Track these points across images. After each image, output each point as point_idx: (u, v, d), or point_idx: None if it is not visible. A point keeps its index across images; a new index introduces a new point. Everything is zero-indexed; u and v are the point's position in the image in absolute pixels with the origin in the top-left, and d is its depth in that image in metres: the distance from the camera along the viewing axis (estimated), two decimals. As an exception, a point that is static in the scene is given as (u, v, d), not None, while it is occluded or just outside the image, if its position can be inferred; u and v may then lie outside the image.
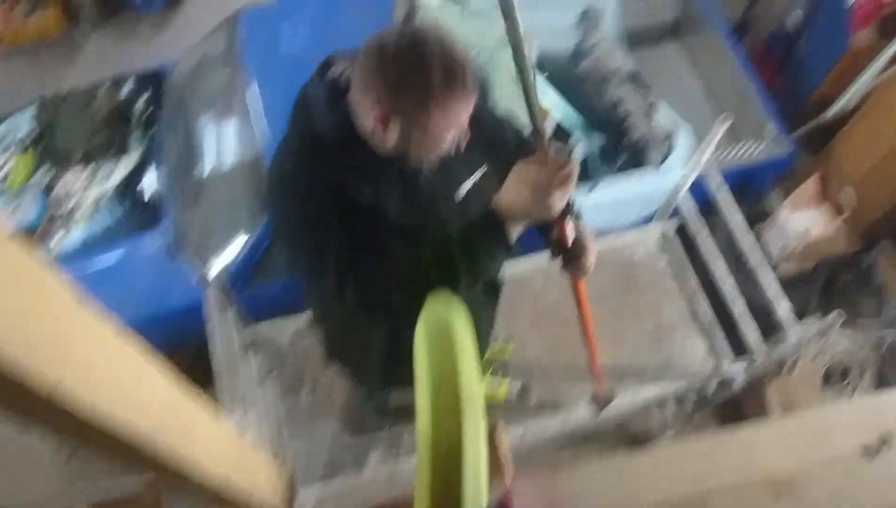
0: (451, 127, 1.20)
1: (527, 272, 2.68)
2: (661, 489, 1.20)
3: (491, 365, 2.46)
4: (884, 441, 1.27)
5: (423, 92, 1.13)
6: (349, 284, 1.26)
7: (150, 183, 3.09)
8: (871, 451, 1.23)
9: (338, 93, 1.26)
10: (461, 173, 1.44)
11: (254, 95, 2.95)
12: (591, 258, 1.42)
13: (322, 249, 1.26)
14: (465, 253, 1.25)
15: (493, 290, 1.74)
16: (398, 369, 1.36)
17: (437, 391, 0.93)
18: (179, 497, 3.04)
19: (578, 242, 1.39)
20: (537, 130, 1.16)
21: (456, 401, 0.89)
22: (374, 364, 1.71)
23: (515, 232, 1.25)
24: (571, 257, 1.40)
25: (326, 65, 1.31)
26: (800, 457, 1.25)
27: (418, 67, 1.13)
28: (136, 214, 3.02)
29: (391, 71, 1.14)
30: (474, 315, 1.22)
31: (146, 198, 3.04)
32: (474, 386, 0.94)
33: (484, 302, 1.70)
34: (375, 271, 1.26)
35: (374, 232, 1.26)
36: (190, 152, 3.14)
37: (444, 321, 1.03)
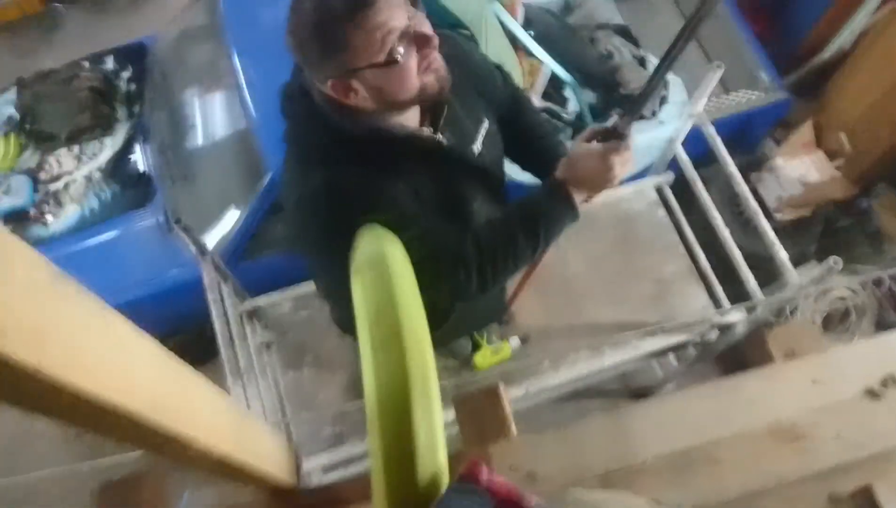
0: (388, 33, 1.10)
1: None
2: (663, 441, 1.20)
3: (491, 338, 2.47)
4: (886, 383, 1.27)
5: (336, 24, 1.09)
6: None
7: (139, 160, 3.05)
8: (875, 394, 1.23)
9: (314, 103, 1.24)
10: (470, 131, 1.41)
11: (238, 66, 2.89)
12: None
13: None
14: (533, 230, 1.27)
15: None
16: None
17: (375, 326, 0.85)
18: (185, 473, 3.09)
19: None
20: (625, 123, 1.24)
21: (398, 337, 0.82)
22: None
23: (579, 201, 1.29)
24: None
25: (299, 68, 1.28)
26: (803, 404, 1.24)
27: (321, 6, 1.09)
28: (127, 192, 2.98)
29: (305, 32, 1.12)
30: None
31: (137, 175, 2.99)
32: (416, 319, 0.87)
33: None
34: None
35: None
36: (177, 127, 3.10)
37: (378, 254, 0.98)
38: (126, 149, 3.07)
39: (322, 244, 1.30)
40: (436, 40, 1.17)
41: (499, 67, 1.59)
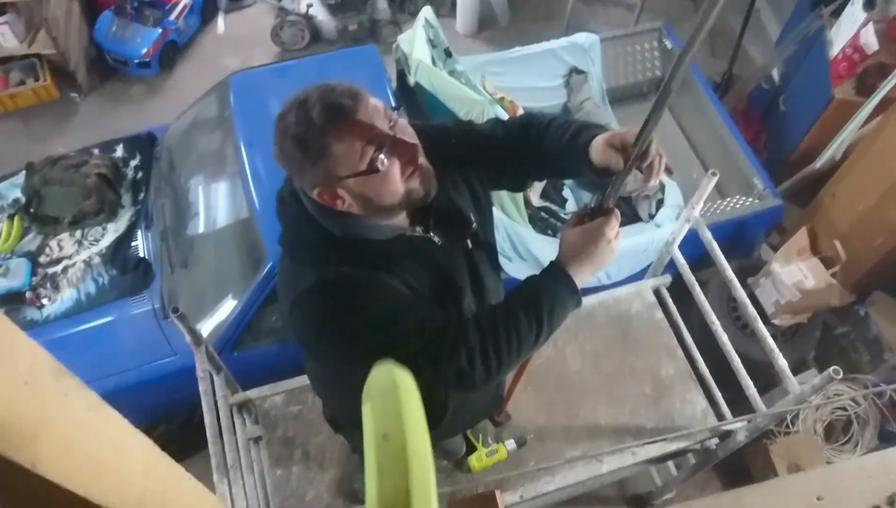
0: (368, 142, 1.14)
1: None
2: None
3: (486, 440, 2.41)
4: (893, 501, 1.23)
5: (317, 136, 1.12)
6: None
7: (140, 246, 3.07)
8: (884, 512, 1.19)
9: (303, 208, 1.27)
10: (462, 227, 1.42)
11: (244, 157, 2.96)
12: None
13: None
14: (536, 314, 1.25)
15: None
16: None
17: (381, 449, 0.87)
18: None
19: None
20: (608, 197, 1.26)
21: (403, 459, 0.84)
22: None
23: (581, 282, 1.28)
24: None
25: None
26: (809, 519, 1.20)
27: (302, 120, 1.13)
28: (126, 277, 2.98)
29: (288, 144, 1.16)
30: None
31: (136, 260, 3.00)
32: (421, 442, 0.88)
33: None
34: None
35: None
36: (180, 215, 3.14)
37: (389, 380, 0.98)
38: (128, 235, 3.10)
39: (318, 344, 1.29)
40: (418, 147, 1.20)
41: (445, 124, 1.59)
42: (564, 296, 1.26)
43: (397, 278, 1.26)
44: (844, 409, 3.04)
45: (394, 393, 0.92)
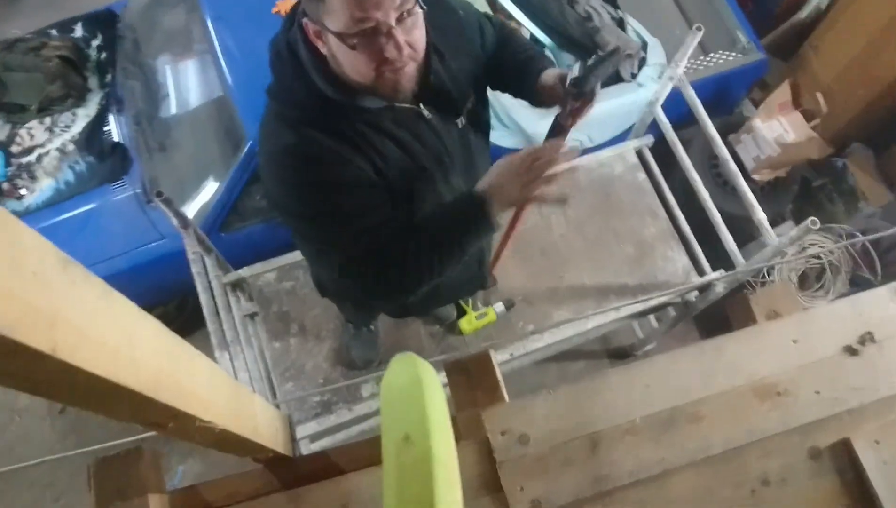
0: (361, 17, 1.07)
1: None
2: (650, 402, 1.23)
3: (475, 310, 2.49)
4: (864, 341, 1.31)
5: None
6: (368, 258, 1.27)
7: (113, 131, 2.99)
8: (853, 351, 1.27)
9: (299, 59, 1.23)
10: (456, 104, 1.39)
11: (213, 33, 2.83)
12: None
13: (344, 230, 1.26)
14: (449, 241, 1.28)
15: None
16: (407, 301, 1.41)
17: (402, 452, 0.84)
18: (174, 447, 3.11)
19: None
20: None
21: (426, 464, 0.81)
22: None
23: (498, 214, 1.28)
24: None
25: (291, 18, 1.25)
26: (784, 363, 1.28)
27: None
28: (103, 163, 2.92)
29: None
30: None
31: (112, 146, 2.94)
32: (448, 447, 0.86)
33: None
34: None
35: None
36: (152, 97, 3.04)
37: (412, 374, 0.95)
38: (99, 120, 3.01)
39: (286, 202, 1.31)
40: (411, 54, 1.15)
41: (488, 16, 1.57)
42: (478, 227, 1.27)
43: (370, 162, 1.26)
44: (818, 258, 3.15)
45: (417, 389, 0.88)
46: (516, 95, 1.55)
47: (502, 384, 1.24)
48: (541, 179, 1.21)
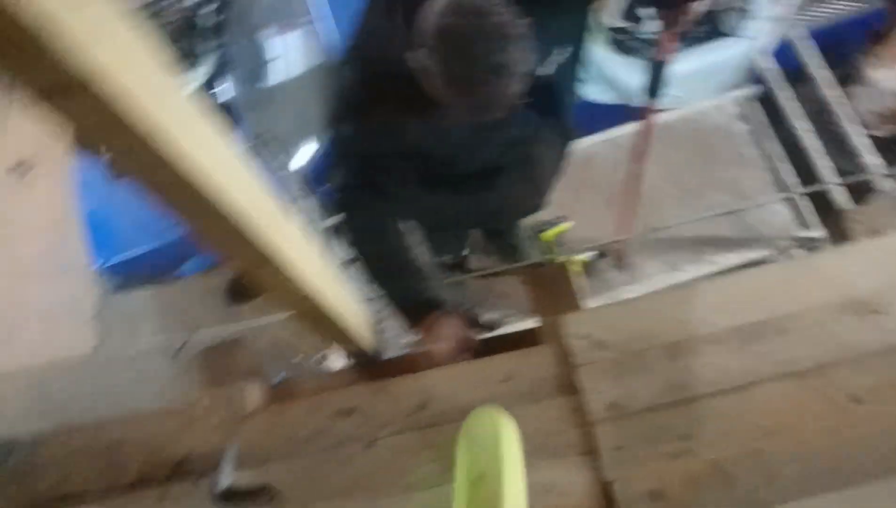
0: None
1: (588, 151, 2.64)
2: (734, 313, 1.20)
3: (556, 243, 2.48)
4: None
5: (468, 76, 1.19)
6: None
7: (224, 91, 3.17)
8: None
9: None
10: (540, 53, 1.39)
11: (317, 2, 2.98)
12: None
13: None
14: (392, 291, 1.47)
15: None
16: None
17: (474, 488, 0.90)
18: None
19: None
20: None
21: (497, 499, 0.86)
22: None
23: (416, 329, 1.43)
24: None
25: None
26: (883, 279, 1.22)
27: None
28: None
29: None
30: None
31: (218, 107, 3.12)
32: (519, 493, 0.90)
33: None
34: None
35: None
36: (256, 62, 3.20)
37: (492, 428, 1.00)
38: (210, 81, 3.19)
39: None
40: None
41: None
42: (402, 306, 1.45)
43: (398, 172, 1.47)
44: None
45: (494, 442, 0.94)
46: None
47: (580, 291, 1.24)
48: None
